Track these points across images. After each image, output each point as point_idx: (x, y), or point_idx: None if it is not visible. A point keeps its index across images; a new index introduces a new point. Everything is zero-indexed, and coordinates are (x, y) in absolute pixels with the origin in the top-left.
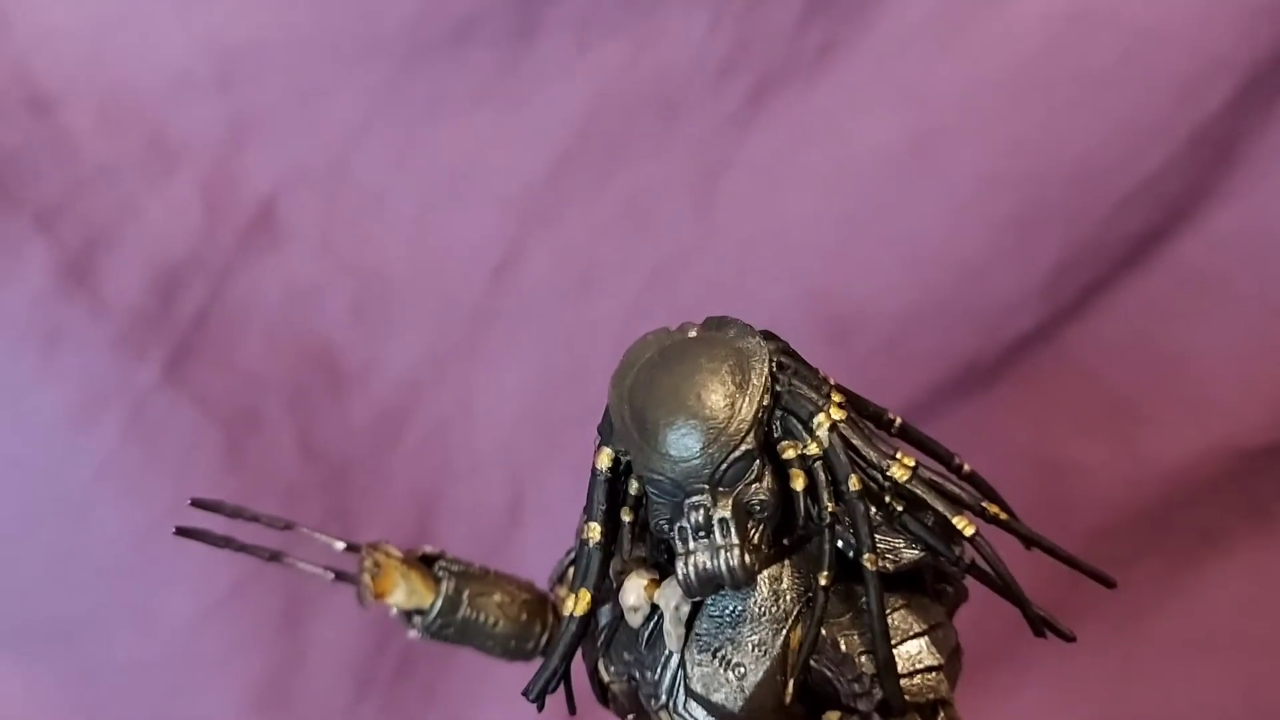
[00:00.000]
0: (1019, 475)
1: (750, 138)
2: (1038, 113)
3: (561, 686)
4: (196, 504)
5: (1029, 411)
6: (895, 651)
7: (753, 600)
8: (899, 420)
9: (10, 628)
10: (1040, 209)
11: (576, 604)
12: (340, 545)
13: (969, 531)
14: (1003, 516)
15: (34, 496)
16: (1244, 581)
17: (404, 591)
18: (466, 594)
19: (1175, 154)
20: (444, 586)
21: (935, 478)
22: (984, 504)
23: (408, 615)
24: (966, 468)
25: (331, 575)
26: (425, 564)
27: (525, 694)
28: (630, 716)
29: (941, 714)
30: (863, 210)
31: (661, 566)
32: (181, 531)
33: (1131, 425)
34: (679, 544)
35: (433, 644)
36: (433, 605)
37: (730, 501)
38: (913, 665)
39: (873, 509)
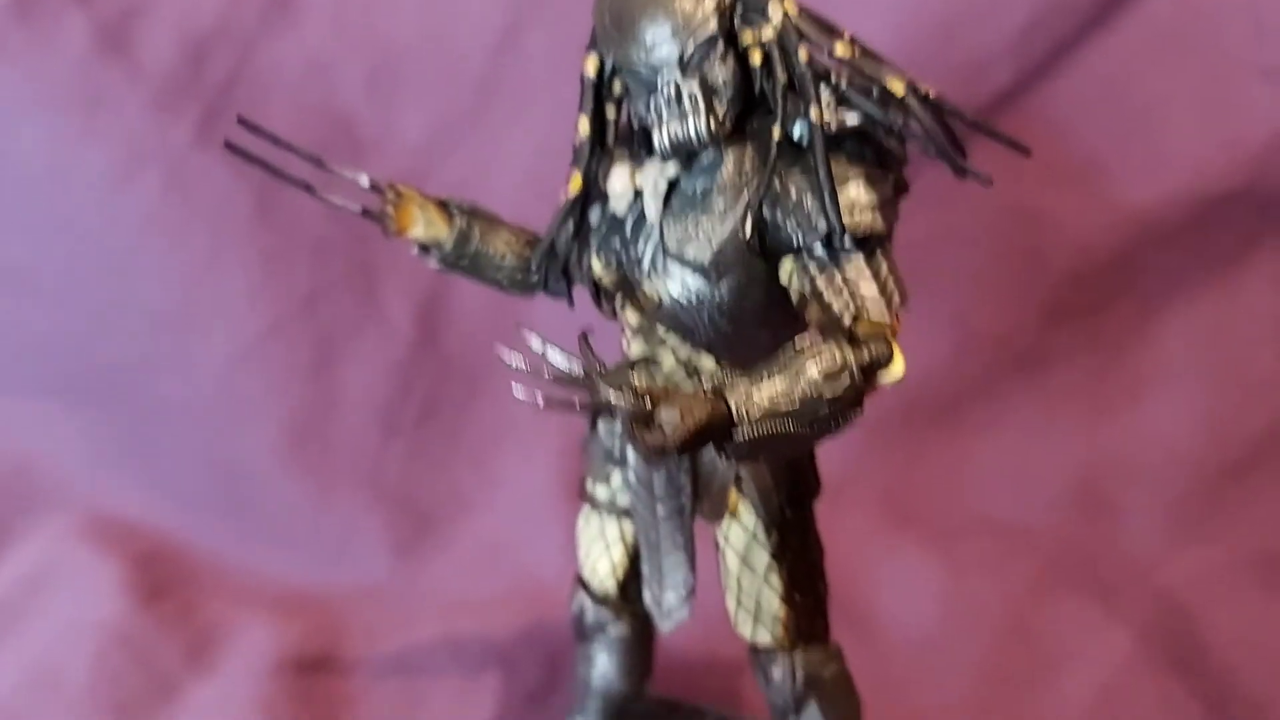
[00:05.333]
0: (996, 226)
1: None
2: None
3: (565, 291)
4: (241, 123)
5: (1004, 165)
6: (837, 192)
7: (719, 176)
8: (848, 33)
9: (64, 375)
10: None
11: (570, 186)
12: (365, 180)
13: (900, 91)
14: (932, 94)
15: (82, 250)
16: (1208, 322)
17: (422, 224)
18: (477, 229)
19: None
20: (457, 222)
21: (876, 56)
22: (915, 83)
23: (425, 249)
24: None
25: (359, 207)
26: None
27: (527, 266)
28: (619, 295)
29: (878, 251)
30: None
31: (641, 160)
32: (229, 146)
33: (1101, 176)
34: (654, 119)
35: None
36: (448, 238)
37: (697, 79)
38: (852, 203)
39: (821, 85)
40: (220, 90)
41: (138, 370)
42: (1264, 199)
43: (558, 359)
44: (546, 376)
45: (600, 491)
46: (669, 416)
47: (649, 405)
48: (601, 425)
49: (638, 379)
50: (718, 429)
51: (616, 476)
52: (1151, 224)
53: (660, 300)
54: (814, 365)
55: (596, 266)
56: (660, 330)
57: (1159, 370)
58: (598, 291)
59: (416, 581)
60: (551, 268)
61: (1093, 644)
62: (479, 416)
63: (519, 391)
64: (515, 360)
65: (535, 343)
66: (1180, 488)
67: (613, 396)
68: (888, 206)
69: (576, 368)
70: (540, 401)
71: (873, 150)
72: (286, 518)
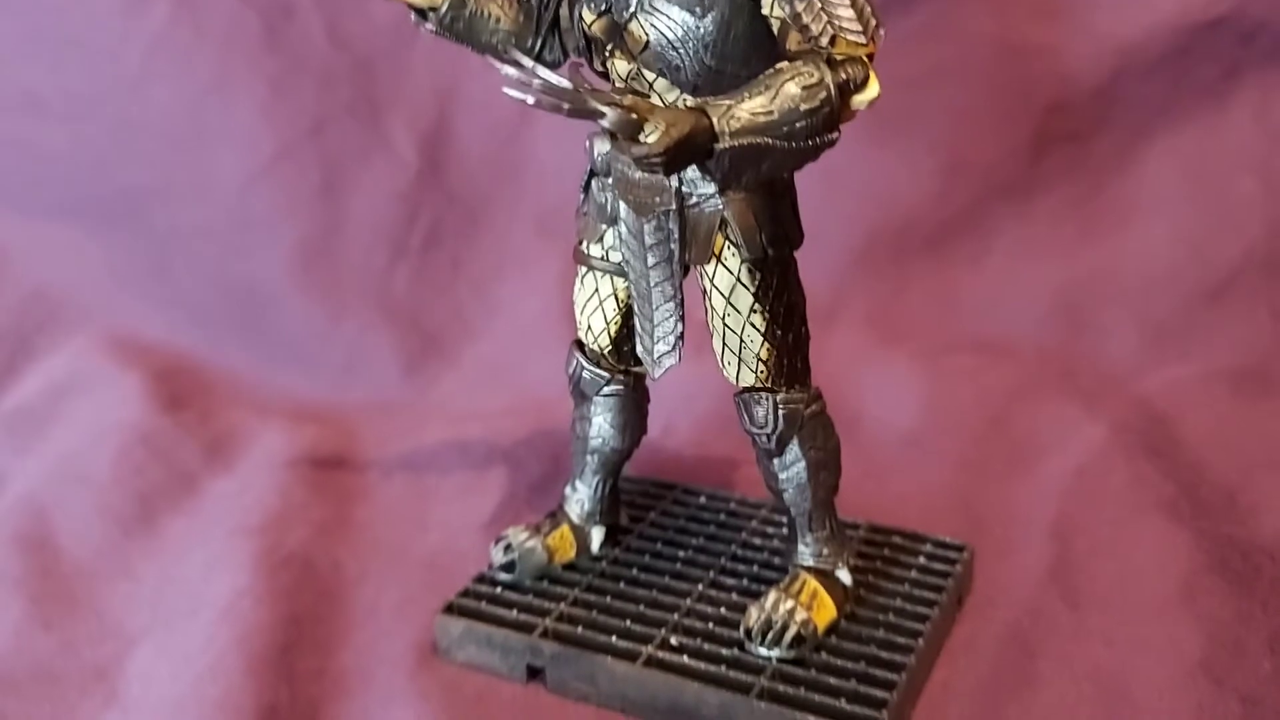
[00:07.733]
0: (985, 59)
1: None
2: None
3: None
4: None
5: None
6: None
7: None
8: None
9: (84, 198)
10: None
11: None
12: None
13: None
14: None
15: (96, 74)
16: (1190, 150)
17: None
18: None
19: None
20: None
21: None
22: None
23: (422, 14)
24: None
25: None
26: None
27: (521, 32)
28: (609, 46)
29: None
30: None
31: None
32: None
33: (1085, 7)
34: None
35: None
36: (444, 0)
37: None
38: None
39: None
40: None
41: (152, 194)
42: (1246, 29)
43: (548, 75)
44: (536, 86)
45: (594, 250)
46: (654, 127)
47: (635, 117)
48: (595, 183)
49: (625, 97)
50: (700, 142)
51: (609, 235)
52: (1135, 54)
53: (647, 39)
54: (792, 82)
55: (587, 16)
56: (648, 76)
57: (1141, 196)
58: (589, 46)
59: (424, 396)
60: (543, 18)
61: (1069, 437)
62: (481, 246)
63: (510, 90)
64: (509, 70)
65: (526, 62)
66: (1159, 308)
67: (601, 107)
68: None
69: (565, 83)
70: (530, 100)
71: None
72: (299, 336)
